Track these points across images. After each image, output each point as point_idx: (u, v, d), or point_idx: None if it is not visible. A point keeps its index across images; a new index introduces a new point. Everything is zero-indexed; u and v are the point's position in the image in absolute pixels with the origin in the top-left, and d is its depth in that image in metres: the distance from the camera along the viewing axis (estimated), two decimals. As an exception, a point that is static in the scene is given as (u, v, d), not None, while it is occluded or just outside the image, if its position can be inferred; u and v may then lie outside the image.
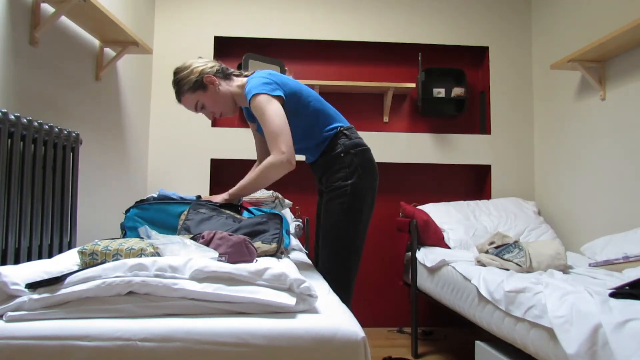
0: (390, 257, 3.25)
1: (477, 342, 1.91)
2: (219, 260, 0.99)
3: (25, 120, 1.67)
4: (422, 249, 2.73)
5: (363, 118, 3.45)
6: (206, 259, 0.97)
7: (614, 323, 1.21)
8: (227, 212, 1.50)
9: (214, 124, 3.31)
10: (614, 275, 1.89)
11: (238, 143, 3.24)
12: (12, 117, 1.60)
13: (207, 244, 1.15)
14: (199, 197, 1.61)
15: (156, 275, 0.87)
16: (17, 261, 1.62)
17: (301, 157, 1.76)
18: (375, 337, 3.03)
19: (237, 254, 1.12)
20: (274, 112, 1.49)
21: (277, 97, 1.54)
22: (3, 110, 1.56)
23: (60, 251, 1.88)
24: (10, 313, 0.81)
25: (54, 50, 2.07)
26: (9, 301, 0.82)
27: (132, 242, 1.08)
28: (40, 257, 1.76)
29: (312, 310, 0.90)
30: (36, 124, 1.73)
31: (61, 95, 2.14)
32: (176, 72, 1.64)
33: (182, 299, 0.86)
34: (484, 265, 2.10)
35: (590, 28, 2.79)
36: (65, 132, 1.94)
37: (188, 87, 1.61)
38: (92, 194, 2.41)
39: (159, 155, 3.26)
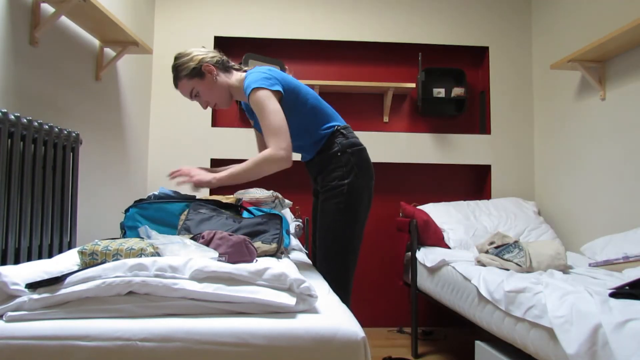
0: (390, 257, 3.24)
1: (477, 342, 1.90)
2: (219, 260, 0.99)
3: (25, 120, 1.67)
4: (422, 249, 2.73)
5: (363, 118, 3.45)
6: (206, 259, 0.97)
7: (614, 323, 1.21)
8: (227, 212, 1.51)
9: (214, 124, 3.32)
10: (614, 275, 1.89)
11: (238, 143, 3.24)
12: (12, 117, 1.60)
13: (207, 244, 1.15)
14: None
15: (156, 275, 0.87)
16: (17, 261, 1.62)
17: (298, 157, 1.76)
18: (375, 337, 3.03)
19: (237, 254, 1.12)
20: (274, 109, 1.49)
21: (276, 92, 1.54)
22: (3, 110, 1.56)
23: (60, 251, 1.88)
24: (10, 313, 0.81)
25: (54, 50, 2.07)
26: (9, 301, 0.83)
27: (132, 242, 1.09)
28: (40, 257, 1.76)
29: (312, 310, 0.90)
30: (36, 124, 1.74)
31: (61, 95, 2.14)
32: (176, 58, 1.65)
33: (182, 299, 0.86)
34: (484, 265, 2.10)
35: (590, 28, 2.79)
36: (65, 132, 1.94)
37: (185, 73, 1.62)
38: (92, 194, 2.41)
39: (159, 155, 3.26)
